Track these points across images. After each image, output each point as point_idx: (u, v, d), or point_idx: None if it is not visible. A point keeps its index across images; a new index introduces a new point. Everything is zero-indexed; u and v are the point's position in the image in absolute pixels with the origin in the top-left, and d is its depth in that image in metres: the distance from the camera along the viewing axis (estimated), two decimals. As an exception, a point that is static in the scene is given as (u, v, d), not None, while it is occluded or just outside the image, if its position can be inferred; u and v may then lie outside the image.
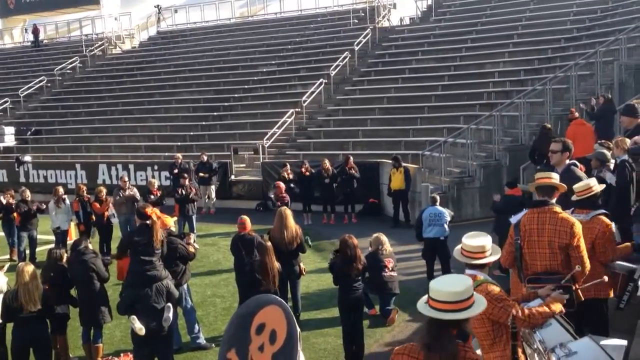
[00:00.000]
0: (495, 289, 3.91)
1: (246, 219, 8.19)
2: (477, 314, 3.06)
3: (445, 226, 9.81)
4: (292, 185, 14.97)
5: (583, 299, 4.82)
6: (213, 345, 7.74)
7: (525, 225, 4.84)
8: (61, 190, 12.78)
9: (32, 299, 6.46)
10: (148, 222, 6.77)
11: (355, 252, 7.14)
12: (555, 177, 4.97)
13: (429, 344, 2.94)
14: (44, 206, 12.74)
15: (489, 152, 15.39)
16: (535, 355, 3.94)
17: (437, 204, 10.06)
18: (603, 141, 8.47)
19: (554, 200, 4.90)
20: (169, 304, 6.55)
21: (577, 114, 12.31)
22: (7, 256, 12.92)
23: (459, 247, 4.09)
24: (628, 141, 6.76)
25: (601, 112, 12.11)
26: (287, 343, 2.77)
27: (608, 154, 7.31)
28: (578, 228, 4.71)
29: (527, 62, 19.38)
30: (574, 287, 4.57)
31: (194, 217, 13.76)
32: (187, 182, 13.75)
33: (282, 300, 3.03)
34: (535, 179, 5.05)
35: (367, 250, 8.74)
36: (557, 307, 4.04)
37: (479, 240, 4.02)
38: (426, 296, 3.06)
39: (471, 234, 4.11)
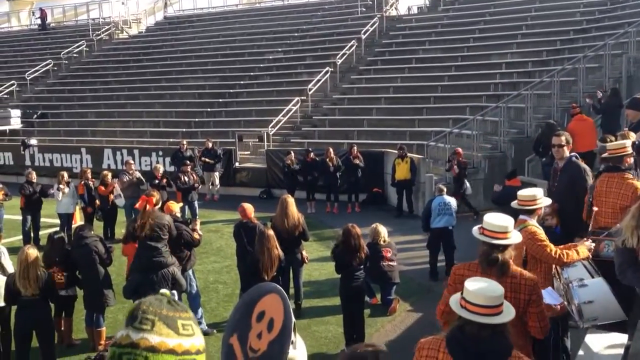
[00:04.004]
0: (538, 231, 4.74)
1: (246, 206, 8.19)
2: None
3: (454, 215, 9.85)
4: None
5: None
6: (215, 331, 7.78)
7: (597, 186, 5.70)
8: (65, 175, 12.80)
9: (28, 282, 6.41)
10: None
11: (358, 242, 7.15)
12: (628, 146, 5.62)
13: (485, 259, 3.79)
14: (51, 191, 12.75)
15: (494, 144, 15.34)
16: (561, 286, 4.77)
17: (444, 193, 10.09)
18: (606, 136, 8.43)
19: (626, 166, 5.65)
20: (174, 291, 6.58)
21: (578, 109, 12.25)
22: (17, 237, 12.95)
23: (515, 201, 4.92)
24: (633, 135, 6.72)
25: (607, 106, 12.03)
26: (282, 332, 2.81)
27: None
28: None
29: (535, 54, 19.25)
30: None
31: (196, 203, 13.81)
32: (189, 169, 13.78)
33: (282, 290, 3.06)
34: (608, 150, 5.68)
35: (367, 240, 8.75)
36: (583, 253, 4.78)
37: (531, 191, 4.95)
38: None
39: (525, 189, 5.07)
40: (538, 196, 4.84)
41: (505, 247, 3.78)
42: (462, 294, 2.99)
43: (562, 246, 4.94)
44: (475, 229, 3.92)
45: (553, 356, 5.04)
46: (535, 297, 3.79)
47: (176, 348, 1.48)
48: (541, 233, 4.73)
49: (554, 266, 4.84)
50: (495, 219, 3.81)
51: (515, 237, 3.84)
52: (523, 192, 4.90)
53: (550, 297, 4.41)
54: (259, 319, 3.03)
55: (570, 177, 6.22)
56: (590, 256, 4.88)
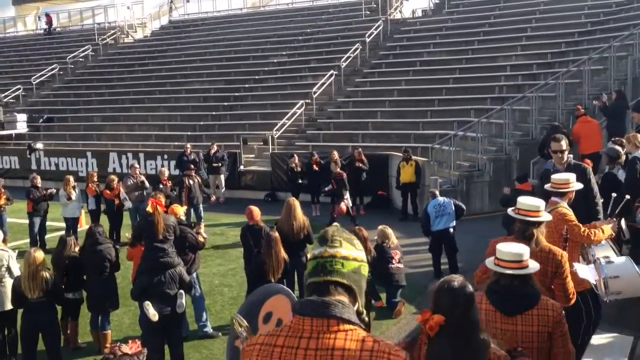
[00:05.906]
0: (568, 212, 5.03)
1: (253, 208, 8.19)
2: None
3: (452, 213, 9.80)
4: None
5: None
6: (220, 334, 7.80)
7: None
8: (72, 179, 12.85)
9: (33, 285, 6.43)
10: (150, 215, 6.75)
11: (365, 245, 7.15)
12: None
13: (522, 234, 4.25)
14: (55, 191, 12.81)
15: (499, 146, 15.31)
16: (588, 263, 5.03)
17: (437, 195, 10.11)
18: (616, 138, 8.41)
19: None
20: (182, 291, 6.59)
21: (583, 111, 12.21)
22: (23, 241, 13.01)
23: (548, 184, 5.25)
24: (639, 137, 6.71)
25: (614, 108, 12.01)
26: None
27: (620, 150, 7.26)
28: None
29: (540, 56, 19.23)
30: None
31: (200, 206, 13.83)
32: (192, 172, 13.83)
33: (290, 291, 3.06)
34: None
35: (373, 242, 8.75)
36: (608, 232, 5.10)
37: (565, 175, 5.25)
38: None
39: (559, 173, 5.42)
40: (571, 180, 5.14)
41: (539, 223, 4.25)
42: (495, 256, 3.67)
43: (588, 225, 5.21)
44: (510, 210, 4.44)
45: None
46: (561, 270, 4.25)
47: (357, 257, 2.14)
48: (571, 214, 5.02)
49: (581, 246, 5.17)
50: (528, 200, 4.33)
51: (546, 216, 4.34)
52: (557, 176, 5.21)
53: (590, 273, 4.73)
54: (266, 320, 3.03)
55: (578, 179, 6.17)
56: (614, 234, 5.22)
